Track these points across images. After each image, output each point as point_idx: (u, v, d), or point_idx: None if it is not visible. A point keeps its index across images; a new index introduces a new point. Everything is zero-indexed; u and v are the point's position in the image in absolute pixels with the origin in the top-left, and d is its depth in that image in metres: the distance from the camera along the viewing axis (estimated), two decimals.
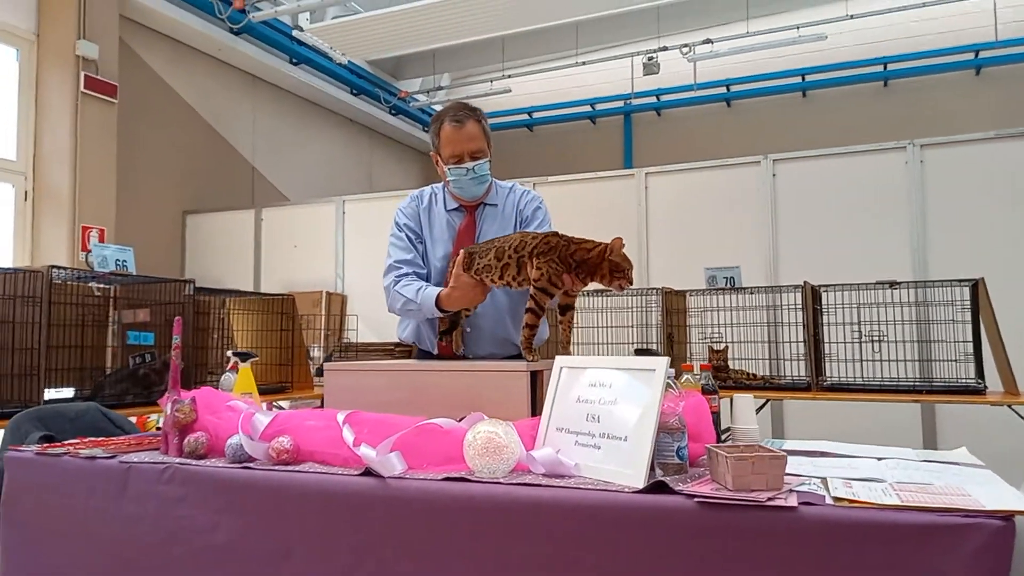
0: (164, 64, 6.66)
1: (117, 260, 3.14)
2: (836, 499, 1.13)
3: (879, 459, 1.48)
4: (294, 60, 7.60)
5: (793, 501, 1.11)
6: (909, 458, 1.50)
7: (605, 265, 1.91)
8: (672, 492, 1.19)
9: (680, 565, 1.14)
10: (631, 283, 1.93)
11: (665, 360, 1.31)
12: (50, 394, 2.97)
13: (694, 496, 1.16)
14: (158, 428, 2.71)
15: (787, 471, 1.30)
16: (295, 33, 7.05)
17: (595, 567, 1.19)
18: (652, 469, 1.28)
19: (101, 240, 5.59)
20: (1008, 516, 1.02)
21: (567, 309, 2.06)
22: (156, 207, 6.66)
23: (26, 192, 5.47)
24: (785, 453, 1.21)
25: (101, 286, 3.40)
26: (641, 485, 1.22)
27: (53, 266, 2.87)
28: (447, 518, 1.31)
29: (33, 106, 5.51)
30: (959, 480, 1.25)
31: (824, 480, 1.26)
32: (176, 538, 1.51)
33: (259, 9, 6.56)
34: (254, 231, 6.85)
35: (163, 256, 6.63)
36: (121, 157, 5.85)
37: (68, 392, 3.13)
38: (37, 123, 5.52)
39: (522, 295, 2.16)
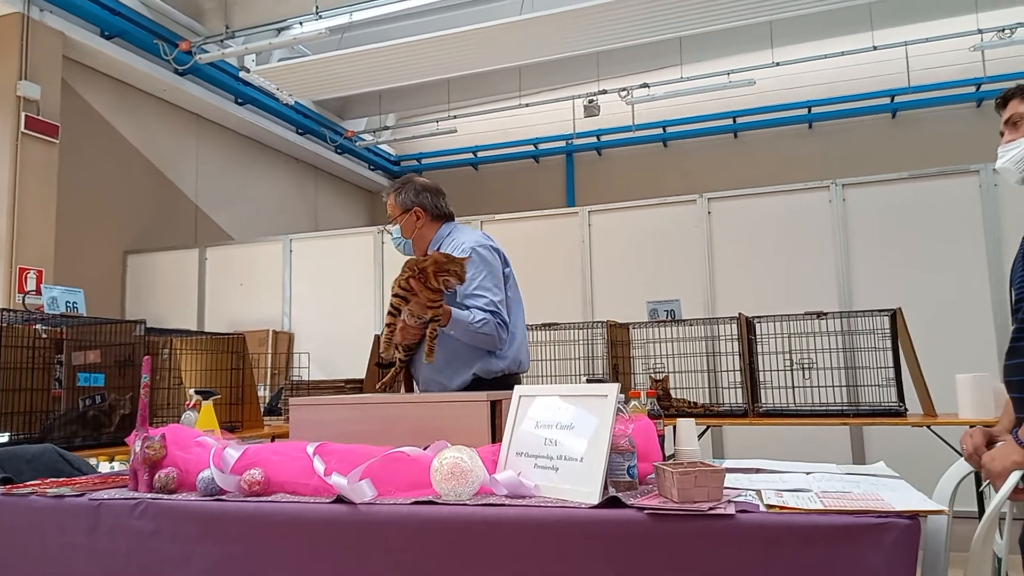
0: (107, 104, 6.62)
1: (67, 302, 3.13)
2: (769, 506, 1.27)
3: (807, 473, 1.63)
4: (240, 100, 7.63)
5: (731, 510, 1.25)
6: (833, 472, 1.66)
7: (430, 267, 2.25)
8: (624, 506, 1.31)
9: (634, 570, 1.25)
10: (458, 279, 2.28)
11: (616, 386, 1.44)
12: None
13: (644, 508, 1.28)
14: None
15: (726, 485, 1.44)
16: (241, 74, 7.10)
17: (562, 575, 1.29)
18: (605, 487, 1.40)
19: (39, 282, 5.49)
20: (914, 515, 1.18)
21: (430, 321, 2.33)
22: (96, 247, 6.56)
23: None
24: (723, 468, 1.35)
25: (47, 328, 3.37)
26: (596, 501, 1.34)
27: (3, 309, 2.85)
28: (418, 540, 1.40)
29: None
30: (875, 488, 1.41)
31: (759, 492, 1.40)
32: (150, 571, 1.55)
33: (205, 51, 6.61)
34: (198, 270, 6.80)
35: (103, 297, 6.51)
36: (61, 197, 5.78)
37: (3, 437, 3.08)
38: None
39: (457, 349, 2.44)
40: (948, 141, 8.02)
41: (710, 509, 1.25)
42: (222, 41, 6.68)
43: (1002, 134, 1.75)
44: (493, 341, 2.42)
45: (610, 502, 1.34)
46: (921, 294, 4.74)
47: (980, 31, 6.95)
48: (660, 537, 1.26)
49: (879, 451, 4.58)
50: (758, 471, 1.71)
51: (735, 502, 1.30)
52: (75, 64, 6.23)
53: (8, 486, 1.82)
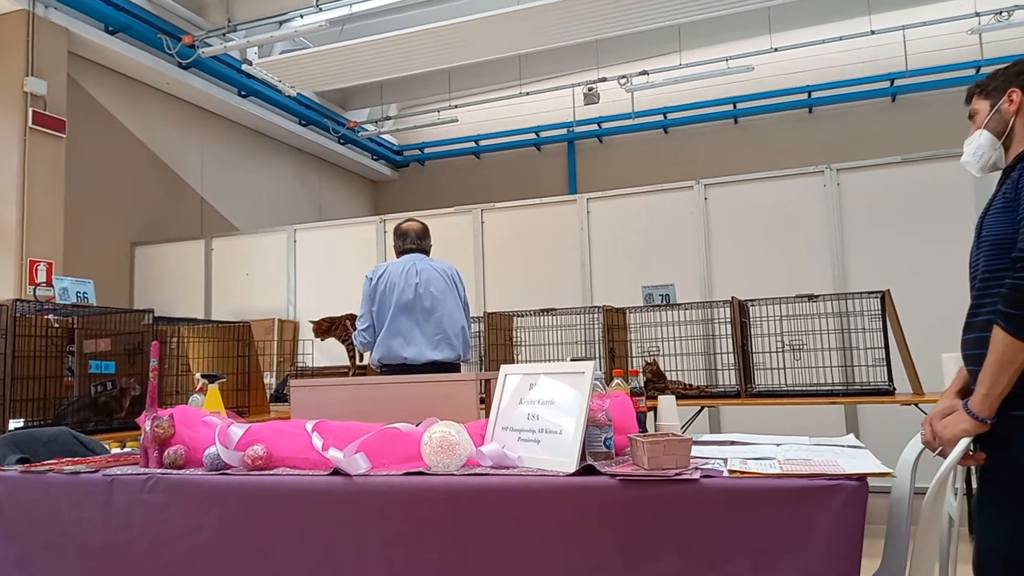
0: (112, 98, 6.72)
1: (78, 292, 3.24)
2: (731, 472, 1.37)
3: (777, 444, 1.73)
4: (243, 93, 7.72)
5: (696, 475, 1.35)
6: (803, 443, 1.75)
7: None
8: (598, 473, 1.41)
9: (607, 531, 1.36)
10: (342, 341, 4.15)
11: (591, 364, 1.54)
12: (10, 424, 3.05)
13: (616, 475, 1.38)
14: None
15: (696, 455, 1.54)
16: (244, 67, 7.19)
17: (538, 538, 1.40)
18: (583, 457, 1.50)
19: (49, 274, 5.61)
20: (862, 478, 1.27)
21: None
22: (104, 240, 6.67)
23: None
24: (691, 437, 1.44)
25: (59, 317, 3.49)
26: (572, 469, 1.44)
27: (17, 299, 2.96)
28: (409, 508, 1.51)
29: None
30: (835, 456, 1.51)
31: (725, 460, 1.49)
32: (162, 542, 1.67)
33: (208, 44, 6.69)
34: (204, 261, 6.91)
35: (112, 288, 6.63)
36: (69, 191, 5.89)
37: (19, 422, 3.20)
38: None
39: None
40: (948, 125, 8.02)
41: (676, 475, 1.35)
42: (224, 35, 6.76)
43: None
44: (360, 346, 3.84)
45: (585, 470, 1.44)
46: (914, 276, 4.81)
47: (977, 14, 6.96)
48: (631, 501, 1.36)
49: (872, 429, 4.68)
50: (733, 443, 1.81)
51: (701, 468, 1.40)
52: (80, 59, 6.33)
53: (26, 465, 1.93)
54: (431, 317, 3.69)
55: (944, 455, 1.48)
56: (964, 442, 1.47)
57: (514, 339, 4.91)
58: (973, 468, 1.58)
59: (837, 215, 5.12)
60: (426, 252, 3.95)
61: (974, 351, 1.56)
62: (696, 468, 1.40)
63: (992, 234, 1.59)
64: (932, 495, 1.38)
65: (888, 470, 1.31)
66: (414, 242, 3.92)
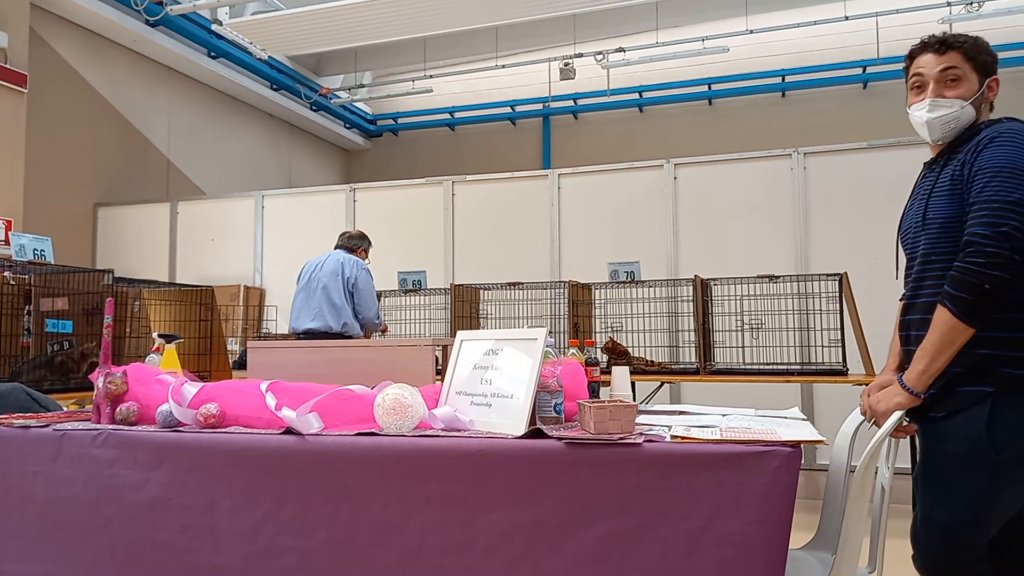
0: (76, 54, 6.55)
1: (35, 249, 3.19)
2: (673, 437, 1.40)
3: (723, 415, 1.78)
4: (212, 54, 7.56)
5: (639, 440, 1.38)
6: (748, 414, 1.80)
7: None
8: (546, 437, 1.44)
9: (550, 492, 1.39)
10: None
11: (543, 331, 1.56)
12: None
13: (562, 438, 1.42)
14: None
15: (643, 423, 1.58)
16: (214, 27, 7.03)
17: (483, 498, 1.43)
18: (532, 421, 1.53)
19: (7, 232, 5.49)
20: (795, 444, 1.32)
21: None
22: (67, 199, 6.54)
23: None
24: (636, 404, 1.48)
25: (15, 275, 3.43)
26: (521, 432, 1.47)
27: None
28: (359, 466, 1.52)
29: None
30: (775, 426, 1.55)
31: (670, 427, 1.53)
32: (106, 495, 1.67)
33: (177, 2, 6.53)
34: (169, 225, 6.81)
35: (74, 249, 6.52)
36: (30, 148, 5.75)
37: None
38: None
39: None
40: None
41: (620, 439, 1.38)
42: None
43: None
44: None
45: (533, 434, 1.46)
46: (872, 261, 4.91)
47: (949, 3, 7.05)
48: (575, 464, 1.39)
49: (826, 408, 4.80)
50: (682, 413, 1.85)
51: (644, 434, 1.43)
52: (43, 12, 6.14)
53: None
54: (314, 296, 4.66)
55: (879, 426, 1.54)
56: (897, 414, 1.52)
57: (481, 312, 4.93)
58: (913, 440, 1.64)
59: (802, 198, 5.19)
60: (347, 249, 4.79)
61: (918, 332, 1.59)
62: (640, 434, 1.44)
63: (938, 216, 1.61)
64: (864, 465, 1.43)
65: (822, 438, 1.36)
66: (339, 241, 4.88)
